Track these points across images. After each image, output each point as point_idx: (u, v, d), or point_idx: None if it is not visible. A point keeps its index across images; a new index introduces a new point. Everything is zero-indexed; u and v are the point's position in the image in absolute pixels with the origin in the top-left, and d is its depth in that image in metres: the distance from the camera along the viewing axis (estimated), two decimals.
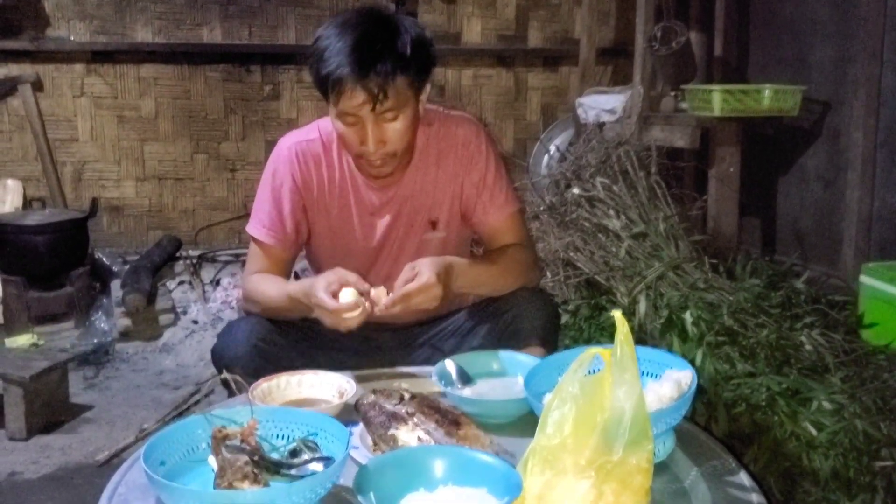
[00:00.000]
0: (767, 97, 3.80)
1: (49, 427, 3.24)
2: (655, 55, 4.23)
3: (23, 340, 3.94)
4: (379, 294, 1.86)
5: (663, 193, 3.61)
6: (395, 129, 1.94)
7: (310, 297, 1.88)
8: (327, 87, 1.88)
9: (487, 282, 2.11)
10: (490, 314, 2.15)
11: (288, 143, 2.14)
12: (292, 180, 2.12)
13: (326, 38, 1.89)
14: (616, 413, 1.28)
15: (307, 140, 2.13)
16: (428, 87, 2.01)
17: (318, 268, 2.22)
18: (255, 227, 2.16)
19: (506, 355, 1.95)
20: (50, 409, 3.27)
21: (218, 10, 4.96)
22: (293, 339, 2.10)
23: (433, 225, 2.17)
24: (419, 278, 1.86)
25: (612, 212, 3.55)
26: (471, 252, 2.39)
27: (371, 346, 2.23)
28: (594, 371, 1.36)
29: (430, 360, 1.99)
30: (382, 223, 2.16)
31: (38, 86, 4.77)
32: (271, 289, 2.08)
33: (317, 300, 1.84)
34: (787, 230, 4.27)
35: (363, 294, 1.85)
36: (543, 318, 2.12)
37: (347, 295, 1.84)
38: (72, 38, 4.80)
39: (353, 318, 1.83)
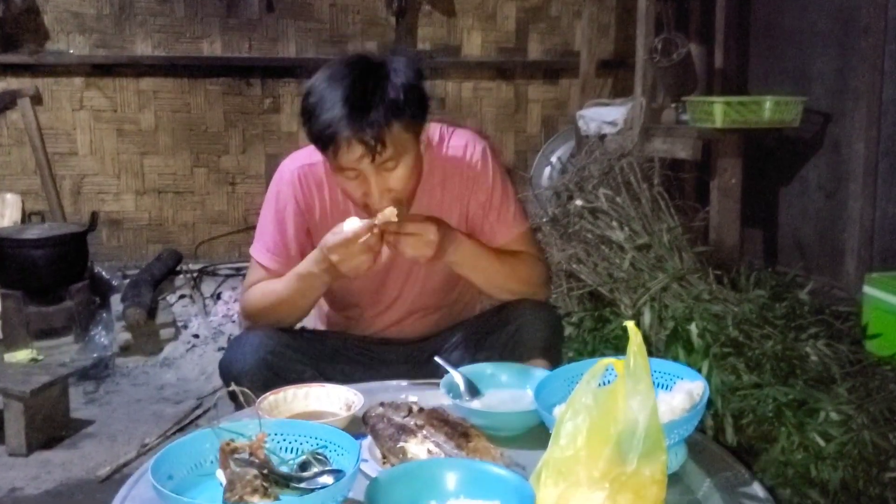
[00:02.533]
0: (769, 109, 3.80)
1: (49, 442, 3.22)
2: (656, 67, 4.23)
3: (22, 355, 3.93)
4: (387, 213, 1.82)
5: (666, 205, 3.60)
6: (398, 176, 1.89)
7: (322, 251, 1.88)
8: (322, 144, 1.85)
9: (488, 270, 2.07)
10: (494, 327, 2.14)
11: (290, 167, 2.12)
12: (295, 203, 2.10)
13: (316, 93, 1.84)
14: (630, 424, 1.27)
15: (309, 164, 2.10)
16: (427, 126, 1.97)
17: (325, 292, 2.19)
18: (259, 251, 2.14)
19: (514, 367, 1.94)
20: (50, 425, 3.25)
21: (218, 23, 4.96)
22: (301, 353, 2.08)
23: None
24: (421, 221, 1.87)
25: (615, 223, 3.54)
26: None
27: (377, 360, 2.22)
28: (606, 382, 1.35)
29: (436, 374, 1.98)
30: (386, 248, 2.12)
31: (37, 99, 4.78)
32: (276, 285, 2.06)
33: (327, 246, 1.85)
34: (789, 241, 4.26)
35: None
36: (547, 331, 2.11)
37: (352, 222, 1.84)
38: (71, 51, 4.80)
39: (368, 242, 1.82)
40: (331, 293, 2.19)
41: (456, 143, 2.12)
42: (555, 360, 2.09)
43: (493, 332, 2.13)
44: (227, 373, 2.01)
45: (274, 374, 1.96)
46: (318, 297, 2.09)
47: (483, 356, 2.08)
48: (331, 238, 1.85)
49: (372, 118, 1.77)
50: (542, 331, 2.09)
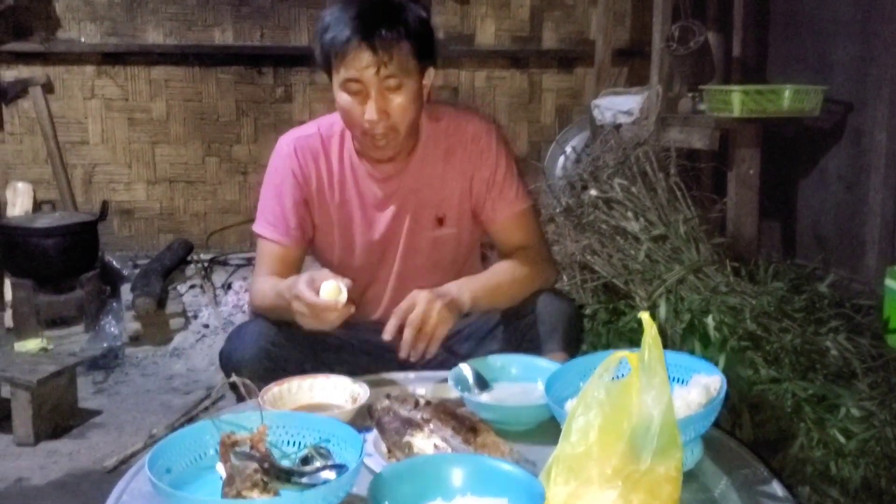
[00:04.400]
0: (788, 98, 3.73)
1: (57, 432, 3.21)
2: (673, 55, 4.17)
3: (32, 344, 3.92)
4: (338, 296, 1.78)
5: (683, 195, 3.54)
6: (399, 101, 1.93)
7: (290, 290, 1.83)
8: (332, 55, 1.90)
9: (506, 294, 2.06)
10: (509, 317, 2.10)
11: (287, 140, 2.15)
12: (292, 175, 2.11)
13: (331, 13, 1.91)
14: (644, 420, 1.22)
15: (305, 136, 2.14)
16: (432, 73, 2.01)
17: (325, 266, 2.16)
18: (260, 225, 2.14)
19: (524, 359, 1.89)
20: (58, 414, 3.24)
21: (230, 11, 4.93)
22: (303, 342, 2.04)
23: (440, 222, 2.15)
24: (414, 303, 1.84)
25: (630, 214, 3.49)
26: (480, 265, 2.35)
27: (383, 349, 2.17)
28: (620, 376, 1.30)
29: (444, 364, 1.95)
30: (385, 216, 2.13)
31: (48, 88, 4.76)
32: (268, 288, 2.03)
33: (296, 291, 1.80)
34: (808, 233, 4.20)
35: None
36: (566, 323, 2.06)
37: (328, 287, 1.77)
38: (82, 39, 4.78)
39: (331, 315, 1.77)
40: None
41: (462, 119, 2.15)
42: (574, 353, 2.04)
43: (510, 323, 2.09)
44: (227, 363, 1.98)
45: (274, 365, 1.93)
46: (287, 315, 1.99)
47: (497, 347, 2.06)
48: (303, 290, 1.79)
49: (383, 32, 1.86)
50: (562, 323, 2.05)
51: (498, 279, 2.06)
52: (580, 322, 2.21)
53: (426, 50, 1.95)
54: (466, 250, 2.22)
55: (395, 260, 2.17)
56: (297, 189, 2.11)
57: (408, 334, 1.81)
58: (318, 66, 1.99)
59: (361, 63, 1.87)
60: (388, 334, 1.83)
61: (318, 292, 1.77)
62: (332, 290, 1.77)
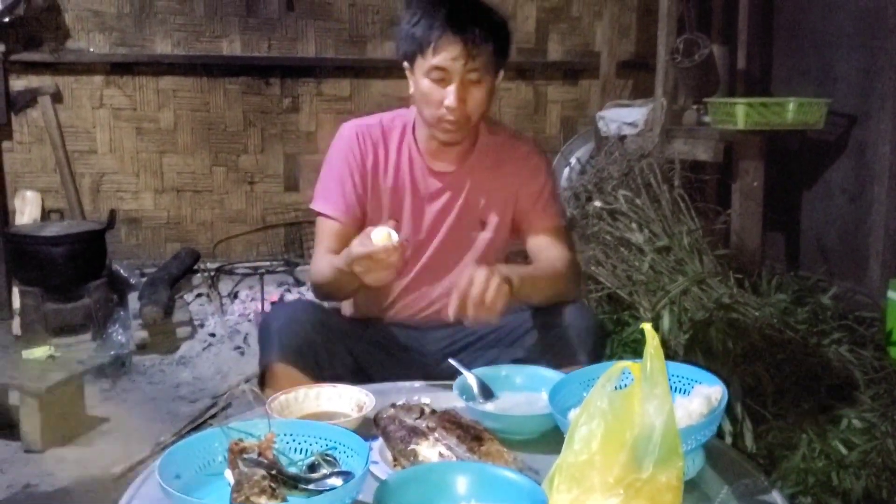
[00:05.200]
0: (792, 110, 3.75)
1: (65, 439, 3.22)
2: (678, 68, 4.19)
3: (40, 352, 3.92)
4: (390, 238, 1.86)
5: (687, 207, 3.55)
6: (477, 94, 2.05)
7: (346, 257, 1.92)
8: (423, 43, 2.01)
9: (543, 289, 2.12)
10: (537, 326, 2.13)
11: (348, 126, 2.26)
12: (352, 156, 2.21)
13: (421, 6, 2.05)
14: (646, 429, 1.24)
15: (367, 124, 2.25)
16: (502, 74, 2.13)
17: None
18: (318, 203, 2.24)
19: (529, 369, 1.91)
20: (66, 422, 3.25)
21: (237, 22, 4.96)
22: (340, 333, 2.13)
23: (483, 225, 2.25)
24: (477, 278, 1.87)
25: (634, 225, 3.50)
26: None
27: (415, 342, 2.26)
28: (622, 386, 1.32)
29: (470, 367, 1.97)
30: (433, 209, 2.23)
31: (57, 97, 4.78)
32: (325, 265, 2.13)
33: (353, 253, 1.88)
34: (811, 245, 4.21)
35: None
36: (593, 334, 2.10)
37: (379, 234, 1.86)
38: (91, 49, 4.81)
39: (388, 257, 1.84)
40: None
41: (517, 140, 2.32)
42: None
43: (537, 333, 2.12)
44: (267, 339, 2.04)
45: (312, 351, 2.00)
46: (356, 287, 2.10)
47: (524, 355, 2.08)
48: (357, 247, 1.88)
49: (475, 28, 2.00)
50: (590, 334, 2.09)
51: (538, 273, 2.13)
52: (605, 337, 2.26)
53: (505, 51, 2.09)
54: (494, 256, 2.28)
55: (429, 251, 2.25)
56: (356, 170, 2.21)
57: (471, 309, 1.84)
58: (399, 53, 2.12)
59: (451, 54, 1.99)
60: (452, 313, 1.86)
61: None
62: (384, 236, 1.85)
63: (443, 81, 2.03)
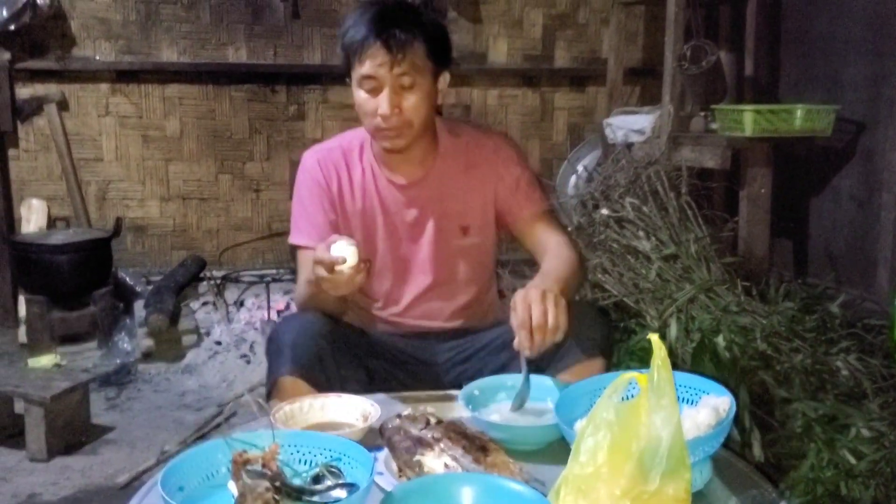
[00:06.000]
0: (799, 117, 3.74)
1: (70, 448, 3.22)
2: (685, 75, 4.18)
3: (45, 360, 3.94)
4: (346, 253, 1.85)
5: (694, 214, 3.54)
6: (412, 99, 2.01)
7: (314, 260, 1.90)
8: (350, 53, 2.00)
9: (574, 283, 2.10)
10: None
11: (309, 154, 2.25)
12: (317, 184, 2.19)
13: (352, 16, 2.04)
14: (653, 441, 1.23)
15: (327, 149, 2.24)
16: (447, 77, 2.09)
17: None
18: (295, 236, 2.22)
19: (535, 379, 1.89)
20: (71, 430, 3.25)
21: (243, 29, 4.97)
22: (349, 344, 2.11)
23: (465, 231, 2.21)
24: (533, 304, 1.79)
25: (641, 233, 3.49)
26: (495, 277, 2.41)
27: (423, 353, 2.24)
28: (629, 396, 1.30)
29: (480, 374, 1.97)
30: (407, 223, 2.20)
31: (63, 105, 4.80)
32: (303, 289, 2.13)
33: (315, 257, 1.87)
34: (819, 252, 4.19)
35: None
36: (603, 330, 2.07)
37: (340, 247, 1.85)
38: (97, 57, 4.82)
39: (343, 270, 1.83)
40: None
41: (482, 136, 2.26)
42: (609, 358, 2.05)
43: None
44: (277, 352, 2.01)
45: (321, 364, 1.97)
46: (333, 300, 2.05)
47: (535, 357, 2.02)
48: (318, 254, 1.87)
49: (398, 32, 1.96)
50: (599, 330, 2.05)
51: (566, 268, 2.06)
52: (612, 331, 2.20)
53: (440, 52, 2.04)
54: (487, 259, 2.28)
55: (420, 269, 2.22)
56: (324, 196, 2.19)
57: (538, 339, 1.77)
58: (342, 68, 2.09)
59: (376, 60, 1.96)
60: (524, 349, 1.78)
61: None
62: (343, 245, 1.85)
63: (375, 91, 2.00)
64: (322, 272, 1.85)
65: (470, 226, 2.21)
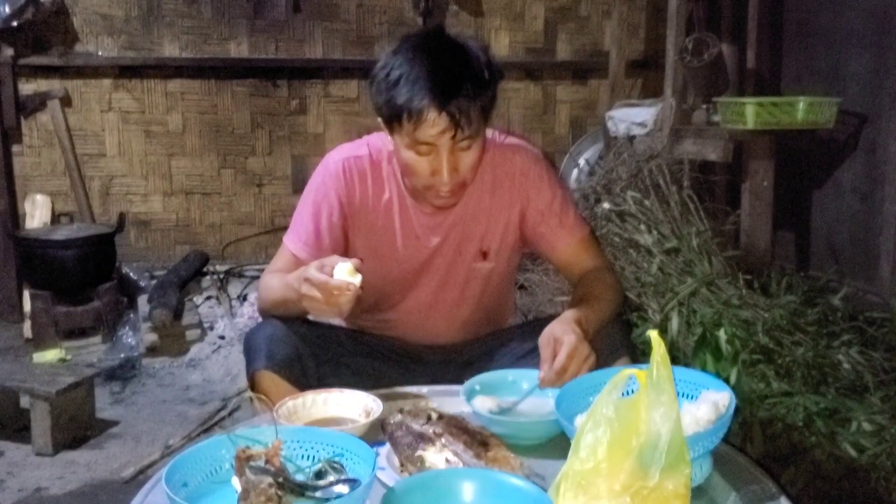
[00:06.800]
0: (802, 110, 3.73)
1: (75, 442, 3.23)
2: (687, 67, 4.18)
3: (50, 355, 3.95)
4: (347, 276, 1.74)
5: (696, 208, 3.55)
6: (469, 159, 1.89)
7: (300, 277, 1.80)
8: (403, 117, 1.81)
9: (607, 318, 1.98)
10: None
11: (336, 158, 2.08)
12: (336, 195, 2.05)
13: (398, 67, 1.82)
14: (652, 436, 1.23)
15: (356, 156, 2.07)
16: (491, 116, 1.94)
17: None
18: (291, 239, 2.09)
19: (535, 375, 1.89)
20: (76, 425, 3.26)
21: (245, 24, 4.97)
22: (328, 343, 2.05)
23: (484, 255, 2.11)
24: (564, 348, 1.75)
25: (643, 226, 3.50)
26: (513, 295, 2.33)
27: (414, 359, 2.18)
28: (629, 392, 1.31)
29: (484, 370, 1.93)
30: (428, 247, 2.09)
31: (66, 101, 4.81)
32: (276, 282, 2.00)
33: (307, 275, 1.76)
34: (822, 245, 4.19)
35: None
36: (624, 328, 2.04)
37: (342, 268, 1.74)
38: (100, 53, 4.83)
39: (344, 297, 1.72)
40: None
41: (509, 151, 2.09)
42: (633, 356, 1.96)
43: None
44: (253, 349, 1.95)
45: (299, 361, 1.92)
46: (301, 312, 1.94)
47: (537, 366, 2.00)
48: (314, 272, 1.75)
49: (460, 96, 1.77)
50: (621, 328, 2.02)
51: (600, 306, 1.96)
52: (629, 323, 2.18)
53: (494, 103, 1.90)
54: (498, 281, 2.17)
55: (429, 290, 2.14)
56: (339, 210, 2.06)
57: (567, 379, 1.72)
58: (378, 114, 1.90)
59: (437, 129, 1.80)
60: (543, 385, 1.76)
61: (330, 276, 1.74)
62: (347, 271, 1.74)
63: (429, 155, 1.85)
64: (314, 293, 1.75)
65: (489, 250, 2.11)
